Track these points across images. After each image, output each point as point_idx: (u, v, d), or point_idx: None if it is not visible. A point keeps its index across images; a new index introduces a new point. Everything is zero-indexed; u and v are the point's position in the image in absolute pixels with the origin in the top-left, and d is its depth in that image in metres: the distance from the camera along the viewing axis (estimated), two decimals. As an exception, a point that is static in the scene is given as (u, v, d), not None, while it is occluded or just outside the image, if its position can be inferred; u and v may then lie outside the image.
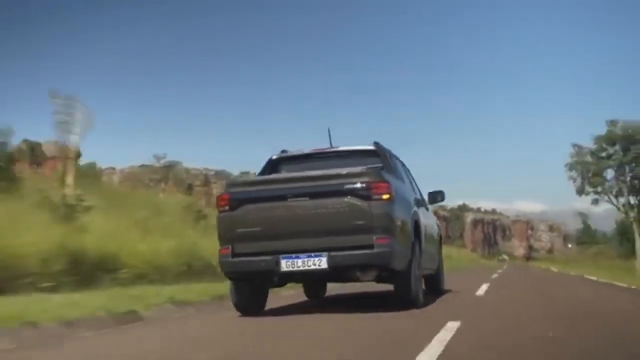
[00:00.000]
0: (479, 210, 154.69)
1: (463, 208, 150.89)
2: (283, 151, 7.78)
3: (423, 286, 7.54)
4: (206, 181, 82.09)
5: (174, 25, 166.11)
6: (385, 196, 6.07)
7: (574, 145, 39.58)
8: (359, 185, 6.05)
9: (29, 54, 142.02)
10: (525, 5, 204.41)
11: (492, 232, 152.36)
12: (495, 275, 20.19)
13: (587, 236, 67.01)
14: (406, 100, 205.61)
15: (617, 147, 37.25)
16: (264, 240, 6.17)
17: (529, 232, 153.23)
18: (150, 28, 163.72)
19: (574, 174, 38.87)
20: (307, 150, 7.69)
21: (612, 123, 37.43)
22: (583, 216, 64.94)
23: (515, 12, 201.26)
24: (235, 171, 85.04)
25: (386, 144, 7.56)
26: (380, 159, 7.20)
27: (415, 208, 7.25)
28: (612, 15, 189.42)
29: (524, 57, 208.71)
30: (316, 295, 9.13)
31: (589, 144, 38.71)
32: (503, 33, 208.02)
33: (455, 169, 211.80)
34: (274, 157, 7.63)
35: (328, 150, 7.57)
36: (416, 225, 7.02)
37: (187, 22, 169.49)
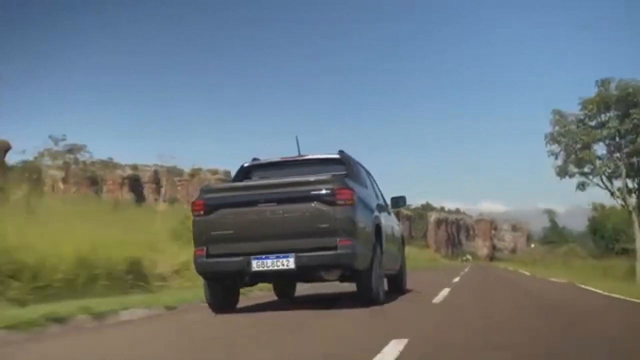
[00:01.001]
0: (442, 209, 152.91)
1: (426, 207, 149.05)
2: (254, 159, 8.40)
3: (385, 286, 8.48)
4: (155, 178, 77.28)
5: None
6: (349, 202, 6.69)
7: (555, 112, 28.35)
8: (324, 191, 6.67)
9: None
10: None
11: (456, 231, 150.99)
12: (456, 279, 17.34)
13: (554, 235, 61.80)
14: (374, 102, 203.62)
15: (611, 112, 27.02)
16: (236, 242, 6.76)
17: (493, 231, 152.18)
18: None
19: (555, 148, 28.19)
20: (276, 158, 8.27)
21: (605, 82, 26.86)
22: (550, 213, 61.66)
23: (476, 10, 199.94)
24: (187, 167, 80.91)
25: (355, 145, 7.30)
26: (344, 167, 7.84)
27: (376, 213, 7.86)
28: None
29: (491, 54, 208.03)
30: (286, 294, 9.48)
31: (575, 109, 28.02)
32: (469, 29, 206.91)
33: (420, 170, 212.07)
34: (246, 164, 8.25)
35: (296, 158, 8.18)
36: (377, 228, 7.62)
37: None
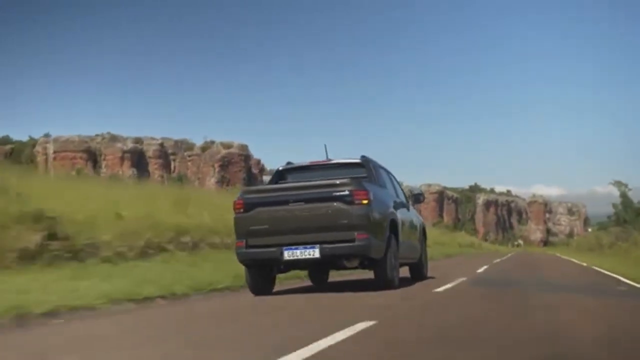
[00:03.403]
0: (492, 191, 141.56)
1: (474, 189, 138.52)
2: (288, 163, 9.61)
3: (400, 273, 9.09)
4: (161, 152, 69.81)
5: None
6: (365, 201, 7.70)
7: None
8: (343, 192, 7.70)
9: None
10: None
11: (507, 214, 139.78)
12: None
13: (630, 212, 44.38)
14: (420, 78, 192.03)
15: None
16: (270, 236, 7.85)
17: (547, 215, 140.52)
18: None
19: None
20: (307, 162, 9.49)
21: None
22: (620, 186, 44.94)
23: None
24: (198, 140, 73.19)
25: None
26: (365, 170, 8.98)
27: (392, 209, 8.80)
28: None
29: (546, 40, 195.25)
30: (320, 281, 10.32)
31: None
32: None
33: (468, 152, 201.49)
34: (281, 168, 9.56)
35: (324, 162, 9.36)
36: (393, 223, 8.58)
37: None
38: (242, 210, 8.01)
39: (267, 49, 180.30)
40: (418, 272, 10.79)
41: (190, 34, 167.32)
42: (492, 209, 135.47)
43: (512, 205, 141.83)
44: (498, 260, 22.75)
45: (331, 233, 7.65)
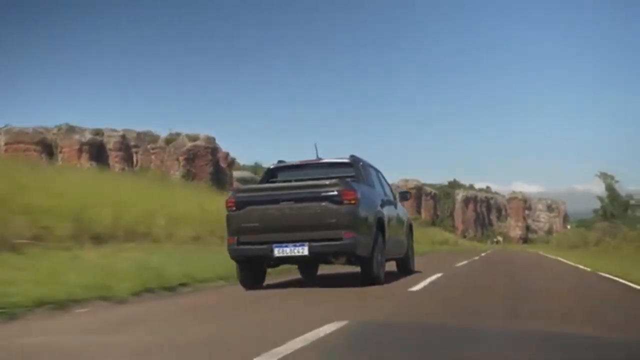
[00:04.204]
0: (471, 187, 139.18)
1: (454, 185, 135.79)
2: (280, 161, 9.82)
3: (388, 268, 9.52)
4: (123, 144, 65.93)
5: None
6: (353, 201, 7.98)
7: None
8: (332, 193, 8.00)
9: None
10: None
11: (486, 211, 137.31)
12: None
13: (617, 206, 40.05)
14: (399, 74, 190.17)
15: None
16: (261, 233, 8.17)
17: (526, 212, 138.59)
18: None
19: None
20: (297, 161, 9.71)
21: None
22: (606, 178, 40.66)
23: None
24: (163, 132, 69.36)
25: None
26: (353, 169, 9.24)
27: (379, 208, 9.07)
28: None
29: (546, 40, 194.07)
30: (309, 274, 10.75)
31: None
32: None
33: (447, 149, 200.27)
34: (272, 166, 9.87)
35: (314, 161, 9.61)
36: (380, 221, 8.86)
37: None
38: (234, 208, 8.35)
39: (267, 49, 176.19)
40: (404, 267, 11.27)
41: (190, 34, 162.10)
42: (471, 206, 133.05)
43: (492, 201, 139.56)
44: (465, 262, 18.26)
45: (319, 232, 7.98)
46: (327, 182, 8.21)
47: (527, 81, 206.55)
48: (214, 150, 65.55)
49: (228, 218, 8.38)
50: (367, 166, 9.70)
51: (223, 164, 68.36)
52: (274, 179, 9.56)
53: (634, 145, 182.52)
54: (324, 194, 7.99)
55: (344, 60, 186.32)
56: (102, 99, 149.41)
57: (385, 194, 10.18)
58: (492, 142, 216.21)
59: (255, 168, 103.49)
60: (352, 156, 9.50)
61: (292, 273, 10.84)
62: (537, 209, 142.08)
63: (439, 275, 10.94)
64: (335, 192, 7.95)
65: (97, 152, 62.77)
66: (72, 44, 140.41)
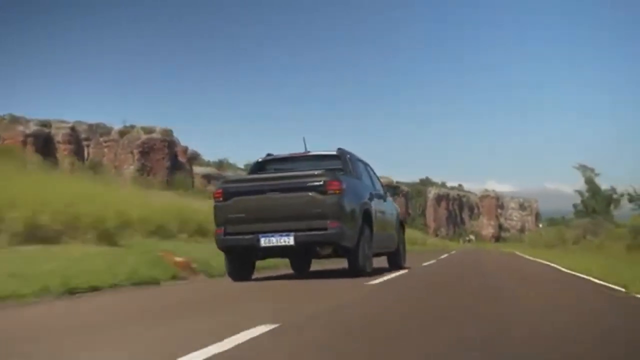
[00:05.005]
0: (443, 185, 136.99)
1: (426, 182, 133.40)
2: (268, 154, 9.91)
3: (377, 262, 9.84)
4: (73, 137, 61.60)
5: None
6: (337, 192, 7.99)
7: None
8: (317, 183, 8.03)
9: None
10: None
11: (458, 209, 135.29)
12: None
13: (600, 201, 36.08)
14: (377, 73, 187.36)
15: None
16: (248, 224, 8.19)
17: (499, 210, 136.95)
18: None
19: None
20: (286, 154, 9.79)
21: None
22: (586, 171, 37.27)
23: None
24: (117, 124, 65.05)
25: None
26: (340, 161, 9.22)
27: (366, 200, 9.05)
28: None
29: (501, 30, 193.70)
30: (301, 269, 10.95)
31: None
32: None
33: (420, 147, 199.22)
34: (260, 159, 9.85)
35: (301, 154, 9.67)
36: (366, 213, 8.79)
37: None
38: (221, 199, 8.44)
39: (267, 48, 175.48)
40: (395, 262, 11.20)
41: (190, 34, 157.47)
42: (443, 204, 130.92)
43: (464, 200, 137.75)
44: (426, 264, 14.81)
45: (305, 221, 8.01)
46: (314, 172, 8.28)
47: (500, 83, 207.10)
48: (171, 143, 61.57)
49: (215, 209, 8.48)
50: (355, 159, 9.72)
51: (182, 159, 64.40)
52: (263, 172, 9.49)
53: (606, 145, 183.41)
54: (309, 184, 8.07)
55: (342, 61, 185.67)
56: (50, 89, 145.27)
57: (375, 188, 10.19)
58: (465, 141, 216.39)
59: (220, 164, 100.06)
60: (339, 149, 9.52)
61: (284, 268, 11.01)
62: (510, 208, 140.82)
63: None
64: (321, 182, 8.01)
65: (43, 144, 58.27)
66: (17, 31, 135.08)
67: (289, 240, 7.95)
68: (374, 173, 10.83)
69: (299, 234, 7.94)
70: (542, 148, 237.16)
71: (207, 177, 77.85)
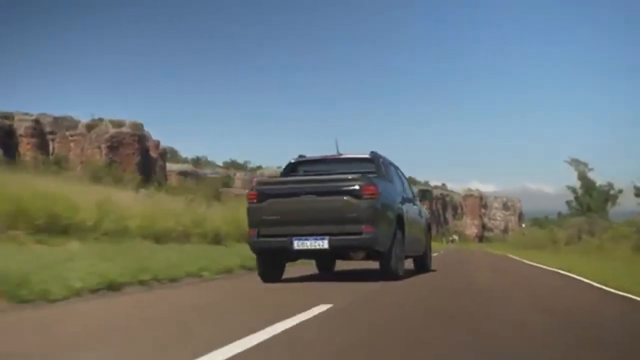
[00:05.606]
0: (426, 184, 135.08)
1: (409, 181, 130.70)
2: (300, 156, 9.89)
3: (408, 265, 9.81)
4: (37, 130, 58.19)
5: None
6: (373, 196, 7.91)
7: None
8: (353, 187, 7.94)
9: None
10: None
11: (442, 208, 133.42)
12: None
13: (597, 197, 33.40)
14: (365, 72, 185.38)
15: None
16: (281, 226, 8.10)
17: (482, 210, 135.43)
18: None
19: None
20: (318, 156, 9.78)
21: None
22: (578, 165, 34.26)
23: None
24: (85, 117, 61.71)
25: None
26: (374, 165, 9.19)
27: (399, 204, 9.01)
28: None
29: (489, 34, 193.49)
30: (327, 269, 10.90)
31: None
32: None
33: (405, 147, 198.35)
34: (293, 160, 9.79)
35: (334, 156, 9.64)
36: (399, 217, 8.81)
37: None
38: (255, 200, 8.32)
39: (267, 48, 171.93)
40: (422, 265, 11.21)
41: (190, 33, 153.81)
42: (425, 203, 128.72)
43: (447, 199, 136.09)
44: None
45: (340, 225, 7.91)
46: (349, 176, 8.24)
47: (485, 84, 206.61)
48: (141, 137, 58.47)
49: (249, 210, 8.40)
50: (387, 163, 9.73)
51: (153, 154, 61.28)
52: (295, 173, 9.56)
53: (590, 146, 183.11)
54: (345, 188, 8.00)
55: (342, 60, 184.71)
56: (49, 89, 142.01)
57: (405, 191, 10.21)
58: (448, 141, 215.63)
59: (197, 161, 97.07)
60: (372, 152, 9.47)
61: (309, 268, 11.02)
62: (493, 207, 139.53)
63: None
64: (357, 187, 7.95)
65: (4, 138, 54.84)
66: (17, 31, 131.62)
67: (323, 244, 7.92)
68: (404, 176, 10.89)
69: (334, 238, 7.90)
70: (524, 148, 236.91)
71: (184, 174, 74.93)
